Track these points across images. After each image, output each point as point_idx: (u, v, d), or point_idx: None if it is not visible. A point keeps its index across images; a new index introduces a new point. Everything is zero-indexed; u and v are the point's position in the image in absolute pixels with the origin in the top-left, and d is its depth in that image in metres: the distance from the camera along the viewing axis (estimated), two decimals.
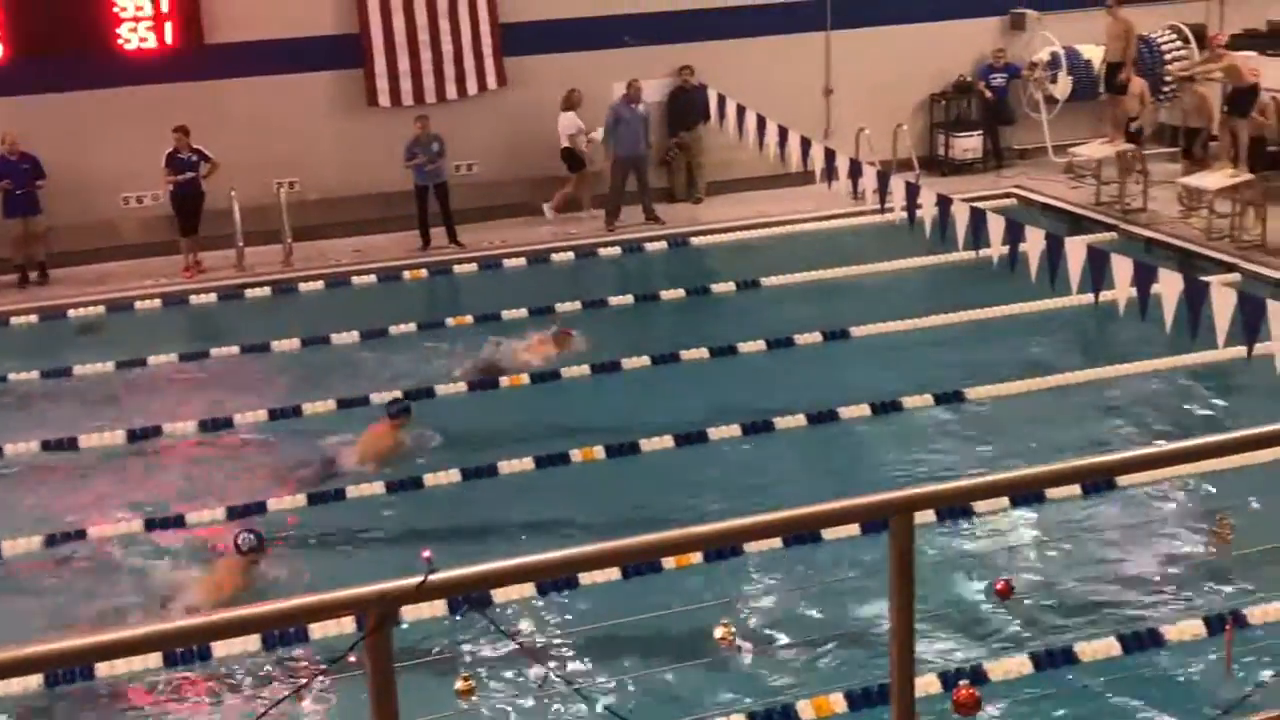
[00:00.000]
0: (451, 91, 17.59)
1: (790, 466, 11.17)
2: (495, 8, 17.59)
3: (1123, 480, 9.87)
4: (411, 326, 14.35)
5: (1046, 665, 8.19)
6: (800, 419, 11.87)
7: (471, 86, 17.65)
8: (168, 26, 16.59)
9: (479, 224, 17.26)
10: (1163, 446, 3.22)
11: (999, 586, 6.27)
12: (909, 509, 2.80)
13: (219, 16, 16.78)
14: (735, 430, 11.71)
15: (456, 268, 16.35)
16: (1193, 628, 8.35)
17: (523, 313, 14.56)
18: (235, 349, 13.95)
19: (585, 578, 8.92)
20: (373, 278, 15.99)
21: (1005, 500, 9.37)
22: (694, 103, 17.84)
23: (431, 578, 2.49)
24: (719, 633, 7.39)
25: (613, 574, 8.97)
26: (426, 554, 2.58)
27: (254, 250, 16.27)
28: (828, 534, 8.86)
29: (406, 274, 16.15)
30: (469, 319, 14.53)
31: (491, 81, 17.74)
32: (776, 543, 9.18)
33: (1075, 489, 9.63)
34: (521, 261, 16.44)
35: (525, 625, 8.90)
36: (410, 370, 13.25)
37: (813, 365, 13.27)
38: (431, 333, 14.33)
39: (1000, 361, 13.01)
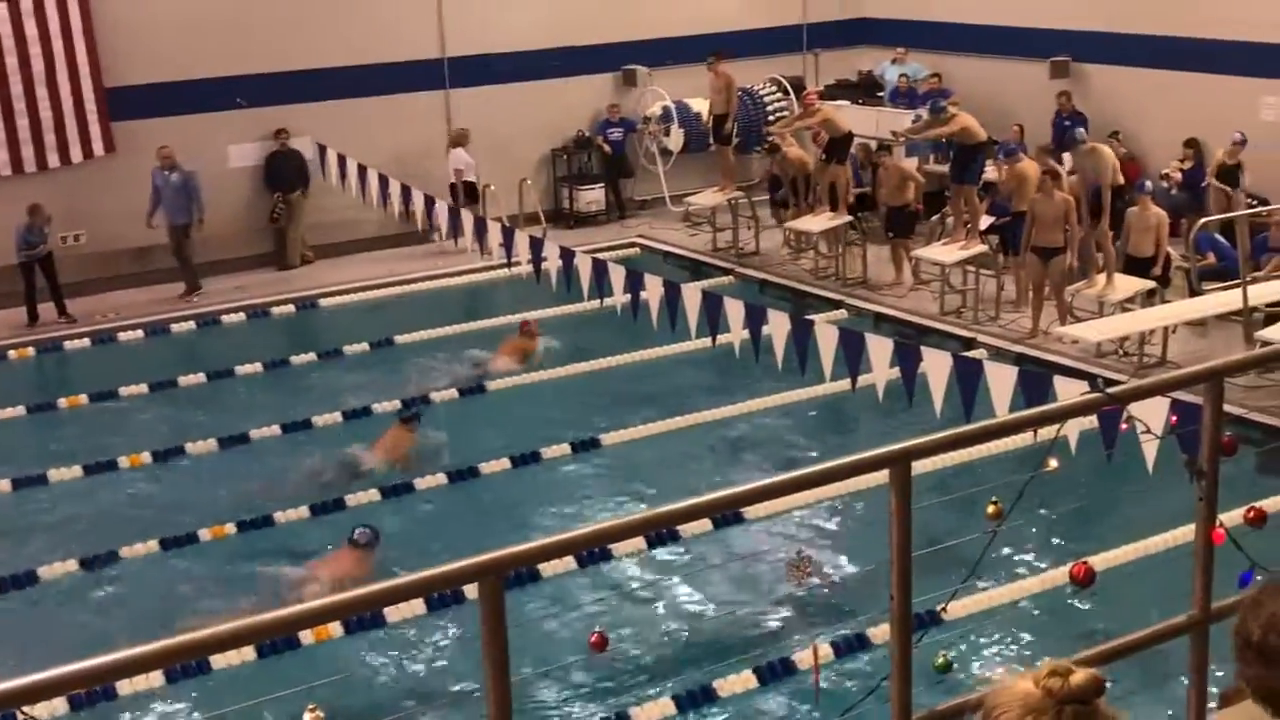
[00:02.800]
0: (54, 160, 16.68)
1: (434, 528, 11.09)
2: (98, 72, 16.82)
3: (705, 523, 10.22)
4: (20, 410, 13.45)
5: (688, 706, 8.46)
6: (441, 478, 11.81)
7: (76, 154, 16.79)
8: None
9: (91, 296, 16.42)
10: (745, 486, 3.35)
11: (592, 639, 6.39)
12: (495, 571, 2.82)
13: None
14: (374, 495, 11.54)
15: (68, 344, 15.46)
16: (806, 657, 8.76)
17: (143, 388, 13.95)
18: None
19: (218, 660, 8.59)
20: None
21: (609, 549, 9.64)
22: (290, 165, 17.60)
23: None
24: (307, 718, 7.20)
25: (248, 654, 8.72)
26: None
27: None
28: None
29: (12, 353, 15.14)
30: (83, 399, 13.74)
31: (98, 148, 16.93)
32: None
33: (702, 525, 9.99)
34: (139, 334, 15.72)
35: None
36: (17, 452, 12.43)
37: (450, 422, 13.25)
38: (43, 415, 13.49)
39: (631, 407, 13.36)
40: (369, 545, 10.21)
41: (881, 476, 3.51)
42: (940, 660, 4.34)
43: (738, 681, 8.69)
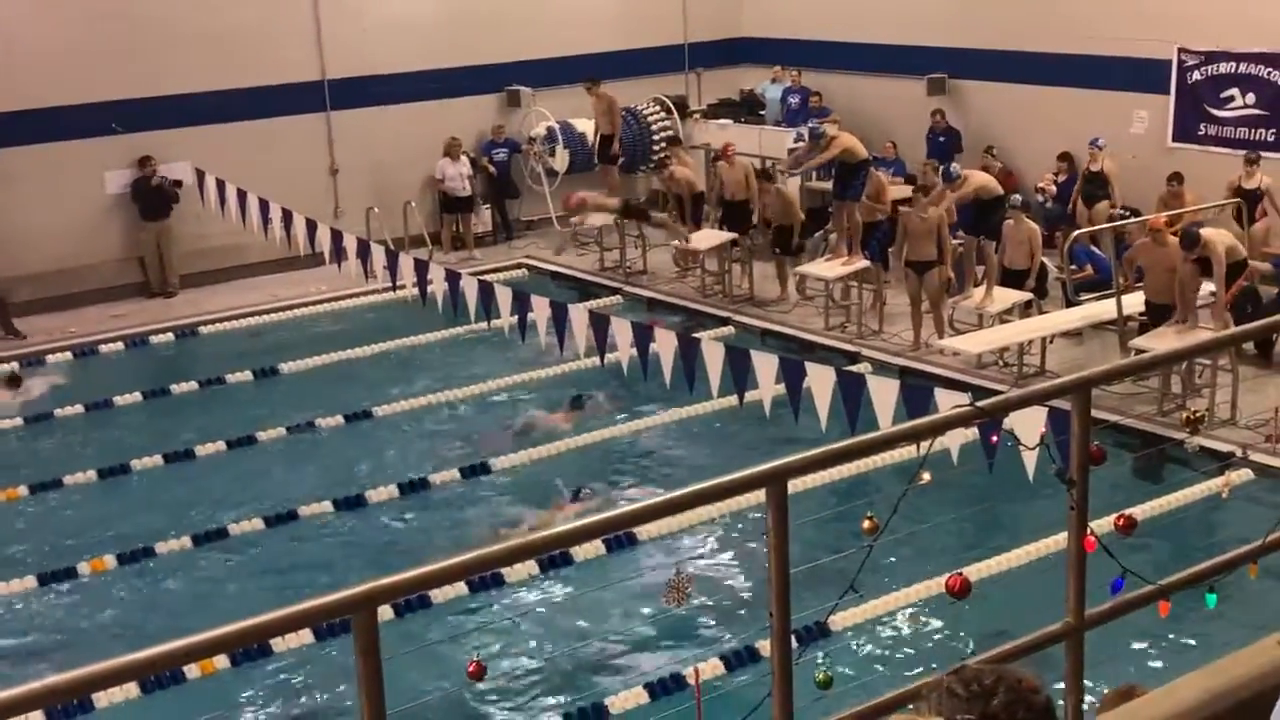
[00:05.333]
0: None
1: (323, 553, 10.95)
2: None
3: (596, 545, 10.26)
4: None
5: None
6: (327, 505, 11.64)
7: None
8: None
9: None
10: (631, 506, 3.35)
11: (470, 669, 6.33)
12: (370, 602, 2.78)
13: None
14: (259, 524, 11.34)
15: None
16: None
17: (18, 422, 13.59)
18: None
19: (100, 698, 8.38)
20: None
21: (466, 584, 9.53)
22: (155, 192, 17.26)
23: None
24: None
25: (131, 691, 8.52)
26: None
27: None
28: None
29: None
30: None
31: None
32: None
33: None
34: (13, 365, 15.30)
35: None
36: None
37: (338, 448, 13.09)
38: None
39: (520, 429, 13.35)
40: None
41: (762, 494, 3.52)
42: (821, 676, 4.38)
43: (630, 698, 8.69)
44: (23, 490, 12.07)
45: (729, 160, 16.94)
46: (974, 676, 2.45)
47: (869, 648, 9.12)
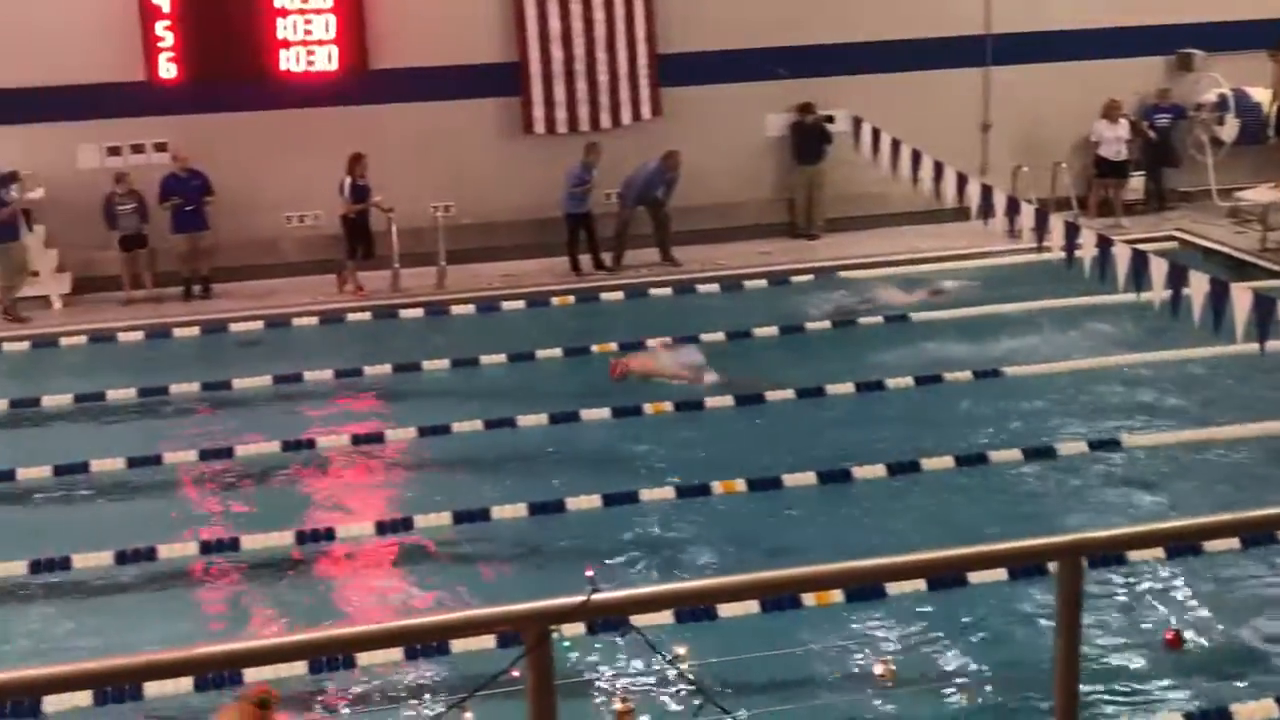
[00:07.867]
0: (606, 121, 17.74)
1: (935, 508, 10.96)
2: (654, 39, 17.71)
3: None
4: (557, 351, 14.43)
5: None
6: (948, 460, 11.61)
7: (626, 116, 17.78)
8: (334, 51, 17.03)
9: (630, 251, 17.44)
10: None
11: (1168, 637, 6.00)
12: (1076, 553, 2.72)
13: (383, 43, 17.18)
14: (880, 470, 11.49)
15: (604, 295, 16.42)
16: None
17: (667, 339, 14.61)
18: (388, 368, 14.16)
19: (723, 610, 8.85)
20: (522, 303, 16.15)
21: (1165, 550, 9.08)
22: (812, 137, 17.85)
23: (594, 597, 2.50)
24: (879, 670, 7.25)
25: (751, 607, 8.91)
26: (590, 573, 2.59)
27: (409, 272, 16.59)
28: (974, 578, 8.70)
29: (555, 300, 16.28)
30: (613, 345, 14.54)
31: (646, 111, 17.84)
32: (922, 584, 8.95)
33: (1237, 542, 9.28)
34: (667, 291, 16.49)
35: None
36: (555, 392, 13.33)
37: (962, 403, 13.04)
38: (577, 359, 14.40)
39: (1158, 409, 12.68)
40: None
41: None
42: None
43: (1258, 709, 8.05)
44: (668, 406, 12.93)
45: None
46: None
47: None
